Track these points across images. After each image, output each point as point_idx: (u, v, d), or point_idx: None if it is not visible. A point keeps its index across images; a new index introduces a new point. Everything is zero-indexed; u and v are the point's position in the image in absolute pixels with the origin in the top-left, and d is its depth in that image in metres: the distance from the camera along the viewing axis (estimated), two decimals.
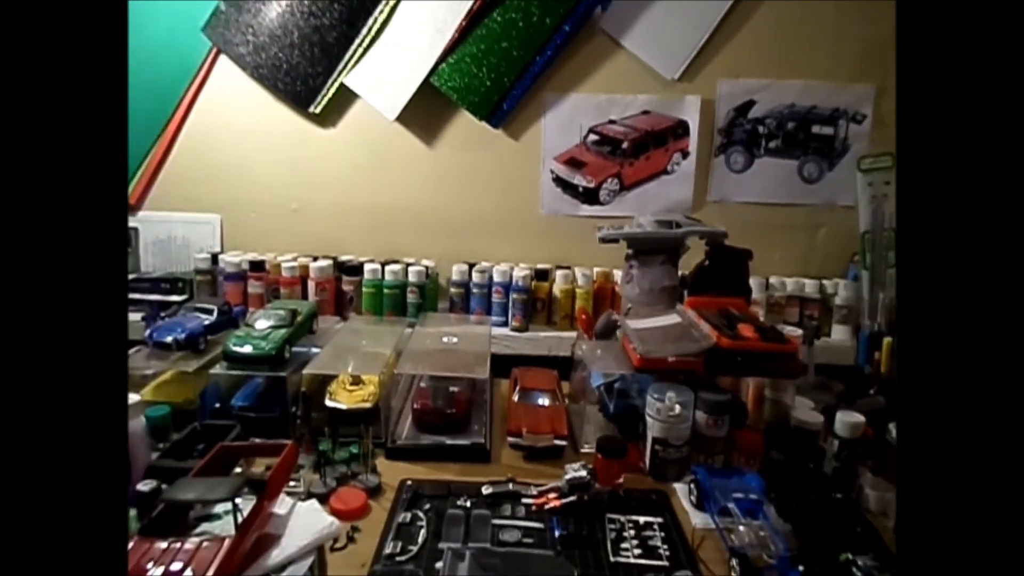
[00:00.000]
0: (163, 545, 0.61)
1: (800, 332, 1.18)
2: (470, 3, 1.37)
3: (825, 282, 1.45)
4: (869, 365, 1.20)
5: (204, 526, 0.69)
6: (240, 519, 0.64)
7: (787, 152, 1.47)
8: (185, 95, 1.47)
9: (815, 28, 1.41)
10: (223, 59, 1.45)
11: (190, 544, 0.61)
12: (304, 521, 0.73)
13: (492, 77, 1.41)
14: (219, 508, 0.71)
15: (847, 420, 0.94)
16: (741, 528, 0.81)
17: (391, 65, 1.41)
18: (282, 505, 0.75)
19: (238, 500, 0.65)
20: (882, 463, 0.96)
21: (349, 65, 1.42)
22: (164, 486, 0.75)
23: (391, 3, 1.38)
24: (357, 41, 1.40)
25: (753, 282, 1.35)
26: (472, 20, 1.38)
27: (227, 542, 0.62)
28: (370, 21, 1.39)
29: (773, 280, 1.44)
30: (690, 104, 1.45)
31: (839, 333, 1.41)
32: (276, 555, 0.67)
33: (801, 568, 0.75)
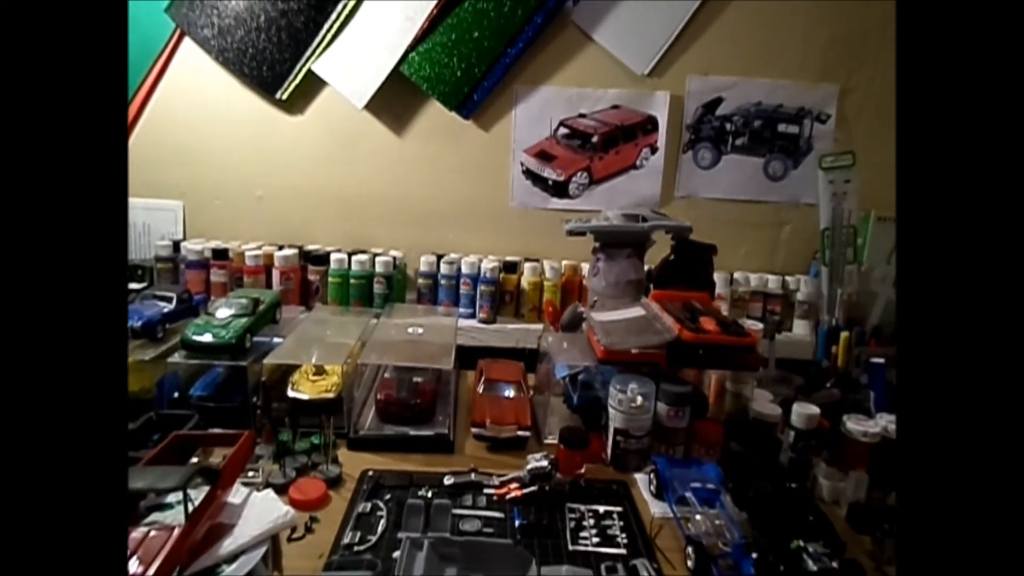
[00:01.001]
0: None
1: (761, 326, 1.20)
2: None
3: (788, 278, 1.48)
4: (827, 359, 1.23)
5: (155, 515, 0.68)
6: (191, 508, 0.63)
7: (753, 150, 1.49)
8: (147, 78, 1.43)
9: (783, 27, 1.43)
10: (187, 41, 1.41)
11: (138, 533, 0.60)
12: (259, 511, 0.72)
13: (463, 67, 1.40)
14: (171, 498, 0.69)
15: (802, 412, 0.96)
16: (698, 517, 0.83)
17: (360, 52, 1.39)
18: (237, 495, 0.74)
19: (190, 490, 0.64)
20: (836, 454, 0.99)
21: (317, 51, 1.40)
22: None
23: None
24: (326, 27, 1.38)
25: (718, 277, 1.37)
26: (443, 9, 1.37)
27: (176, 531, 0.61)
28: (339, 7, 1.37)
29: (737, 275, 1.46)
30: (659, 100, 1.46)
31: (800, 328, 1.44)
32: (228, 544, 0.66)
33: (754, 555, 0.76)
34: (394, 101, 1.44)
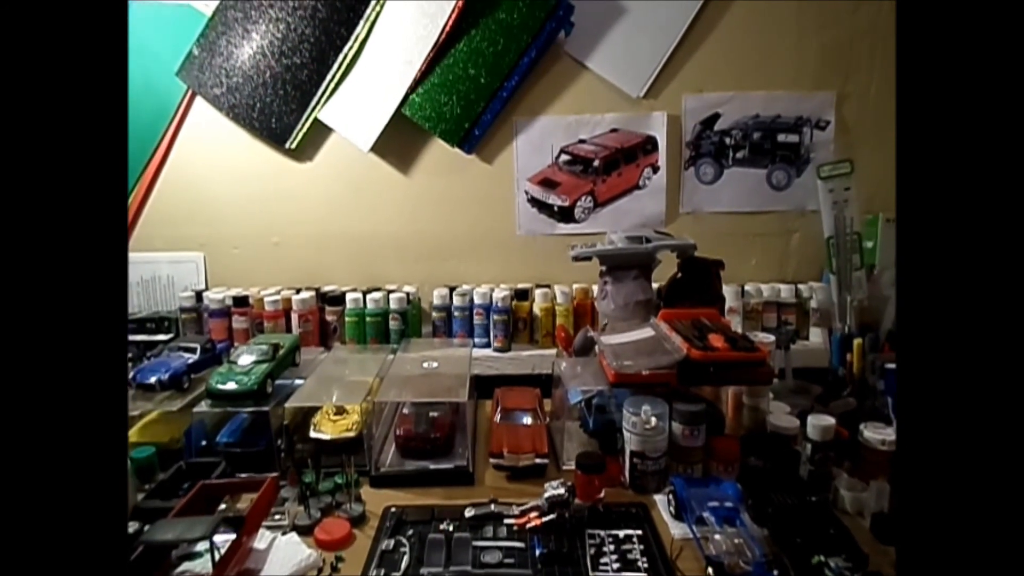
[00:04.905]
0: None
1: (772, 339, 1.20)
2: (437, 35, 1.40)
3: (800, 286, 1.47)
4: (842, 367, 1.22)
5: (186, 565, 0.71)
6: (218, 557, 0.66)
7: (755, 161, 1.50)
8: (163, 137, 1.50)
9: (773, 40, 1.45)
10: (199, 100, 1.48)
11: None
12: (284, 555, 0.74)
13: (462, 105, 1.44)
14: (200, 546, 0.72)
15: (818, 423, 0.96)
16: (717, 536, 0.83)
17: (363, 99, 1.45)
18: (262, 540, 0.76)
19: (216, 538, 0.67)
20: (856, 464, 0.98)
21: (322, 101, 1.45)
22: (147, 527, 0.76)
23: (360, 39, 1.42)
24: (328, 77, 1.44)
25: (729, 290, 1.37)
26: (439, 51, 1.42)
27: None
28: (340, 58, 1.43)
29: (748, 287, 1.46)
30: (657, 120, 1.48)
31: (816, 336, 1.43)
32: None
33: (776, 572, 0.76)
34: (398, 142, 1.49)
